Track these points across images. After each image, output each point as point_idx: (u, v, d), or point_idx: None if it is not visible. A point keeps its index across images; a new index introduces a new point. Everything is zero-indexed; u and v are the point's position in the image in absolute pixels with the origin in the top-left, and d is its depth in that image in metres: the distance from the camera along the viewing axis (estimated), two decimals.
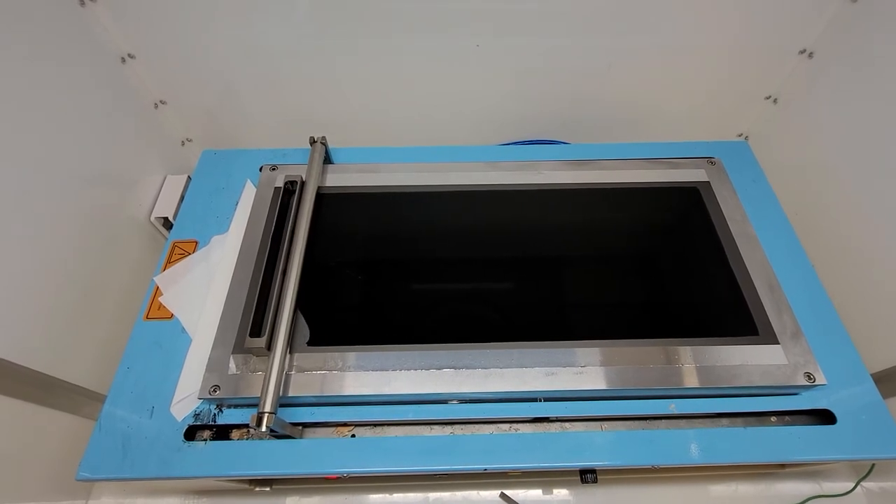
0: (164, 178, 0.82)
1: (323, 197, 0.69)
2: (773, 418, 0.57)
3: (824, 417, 0.56)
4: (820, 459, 0.53)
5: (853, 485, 0.69)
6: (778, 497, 0.71)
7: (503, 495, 0.66)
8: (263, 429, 0.46)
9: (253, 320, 0.54)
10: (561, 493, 0.68)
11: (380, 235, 0.68)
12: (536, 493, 0.68)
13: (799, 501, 0.71)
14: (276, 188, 0.69)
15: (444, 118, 0.89)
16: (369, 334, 0.56)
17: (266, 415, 0.46)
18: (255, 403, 0.53)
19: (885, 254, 0.66)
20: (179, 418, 0.53)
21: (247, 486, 0.64)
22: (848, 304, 0.64)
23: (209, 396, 0.51)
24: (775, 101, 0.85)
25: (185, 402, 0.53)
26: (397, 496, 0.68)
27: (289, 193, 0.67)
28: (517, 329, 0.57)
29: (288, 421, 0.54)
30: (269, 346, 0.52)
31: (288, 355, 0.54)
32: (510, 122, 0.89)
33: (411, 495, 0.68)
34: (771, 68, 0.81)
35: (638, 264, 0.65)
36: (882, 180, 0.67)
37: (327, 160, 0.74)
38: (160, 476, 0.50)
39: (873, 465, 0.68)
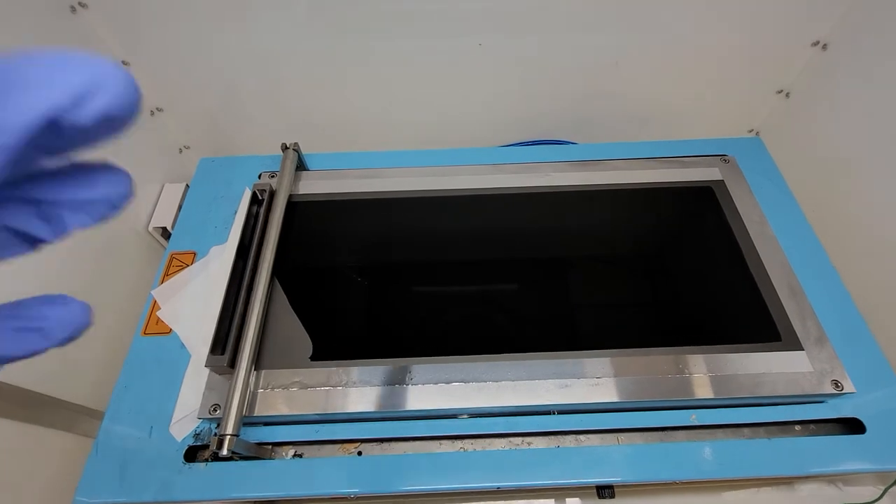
0: (162, 187, 0.80)
1: (308, 205, 0.67)
2: (798, 427, 0.55)
3: (852, 426, 0.53)
4: (849, 471, 0.51)
5: (880, 493, 0.67)
6: None
7: None
8: (224, 452, 0.43)
9: (215, 337, 0.51)
10: None
11: (382, 245, 0.65)
12: None
13: None
14: None
15: (449, 120, 0.87)
16: (375, 347, 0.54)
17: (228, 437, 0.44)
18: (255, 422, 0.52)
19: None
20: (179, 438, 0.51)
21: None
22: (871, 305, 0.62)
23: (209, 416, 0.49)
24: (787, 95, 0.83)
25: (185, 421, 0.51)
26: None
27: (258, 203, 0.64)
28: (529, 339, 0.55)
29: (290, 440, 0.52)
30: (233, 363, 0.50)
31: (254, 372, 0.52)
32: (516, 122, 0.87)
33: None
34: (783, 61, 0.79)
35: (653, 269, 0.63)
36: None
37: (302, 167, 0.72)
38: (160, 500, 0.48)
39: None
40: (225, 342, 0.50)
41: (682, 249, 0.64)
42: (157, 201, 0.79)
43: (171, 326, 0.58)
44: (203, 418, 0.50)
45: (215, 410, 0.49)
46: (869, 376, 0.55)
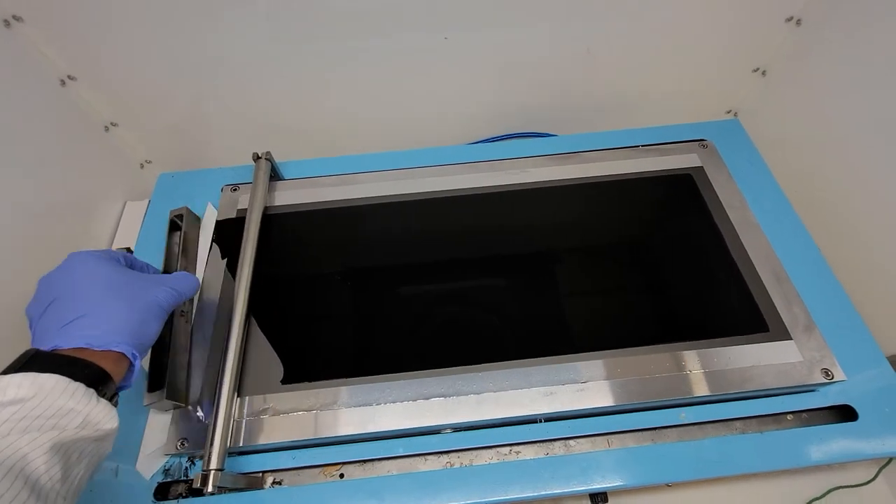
0: (124, 205, 0.77)
1: (276, 217, 0.64)
2: (790, 417, 0.53)
3: (845, 414, 0.52)
4: (844, 460, 0.50)
5: (874, 473, 0.66)
6: (796, 489, 0.68)
7: None
8: (210, 489, 0.41)
9: (150, 372, 0.48)
10: None
11: (351, 256, 0.63)
12: None
13: (819, 494, 0.67)
14: (238, 210, 0.64)
15: (422, 119, 0.84)
16: (348, 366, 0.52)
17: (212, 473, 0.42)
18: (232, 452, 0.49)
19: (893, 228, 0.62)
20: (147, 476, 0.48)
21: None
22: (856, 285, 0.60)
23: (177, 451, 0.47)
24: (763, 73, 0.81)
25: (153, 457, 0.48)
26: None
27: (176, 228, 0.61)
28: (509, 347, 0.53)
29: (265, 468, 0.49)
30: (174, 395, 0.48)
31: (238, 400, 0.49)
32: (490, 118, 0.84)
33: None
34: (757, 39, 0.77)
35: (634, 264, 0.61)
36: (883, 151, 0.62)
37: (276, 177, 0.69)
38: None
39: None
40: (162, 375, 0.48)
41: (663, 242, 0.62)
42: (119, 220, 0.75)
43: None
44: (171, 454, 0.48)
45: (183, 444, 0.47)
46: (859, 360, 0.53)
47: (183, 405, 0.49)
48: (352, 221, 0.64)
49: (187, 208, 0.63)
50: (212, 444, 0.43)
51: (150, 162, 0.84)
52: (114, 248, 0.72)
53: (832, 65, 0.69)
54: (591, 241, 0.63)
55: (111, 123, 0.76)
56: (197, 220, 0.65)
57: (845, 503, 0.65)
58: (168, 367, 0.49)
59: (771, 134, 0.77)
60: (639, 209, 0.65)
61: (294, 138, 0.83)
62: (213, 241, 0.62)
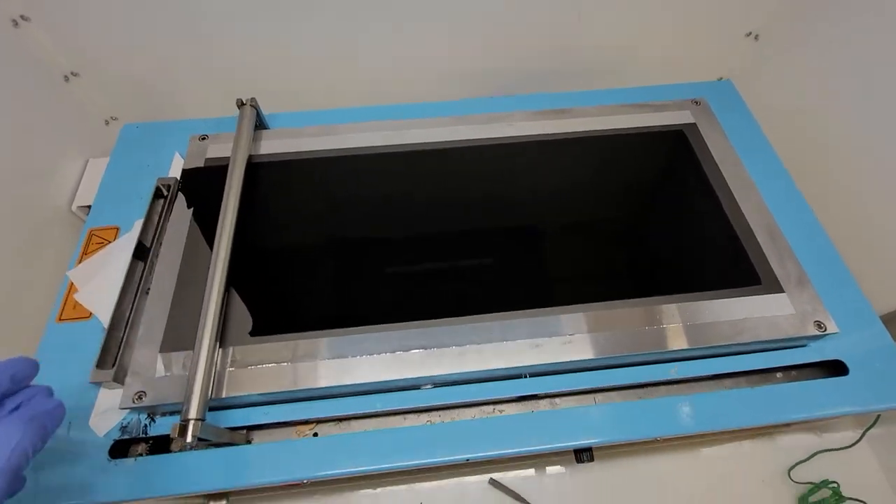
0: (87, 162, 0.72)
1: (259, 167, 0.60)
2: (779, 374, 0.52)
3: (835, 369, 0.51)
4: (832, 415, 0.49)
5: (859, 435, 0.66)
6: (781, 453, 0.68)
7: (492, 481, 0.60)
8: (189, 439, 0.38)
9: (103, 347, 0.47)
10: (554, 470, 0.63)
11: (329, 205, 0.59)
12: (529, 473, 0.63)
13: (803, 458, 0.67)
14: (206, 159, 0.60)
15: (408, 79, 0.80)
16: (325, 317, 0.49)
17: (191, 422, 0.38)
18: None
19: (883, 191, 0.61)
20: (102, 433, 0.45)
21: (201, 500, 0.57)
22: (847, 247, 0.59)
23: (134, 405, 0.43)
24: (756, 37, 0.79)
25: (108, 413, 0.45)
26: (380, 490, 0.61)
27: (161, 197, 0.59)
28: (494, 298, 0.50)
29: (237, 425, 0.46)
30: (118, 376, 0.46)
31: (220, 350, 0.46)
32: (482, 79, 0.81)
33: (393, 489, 0.61)
34: (751, 3, 0.75)
35: (626, 218, 0.59)
36: (874, 114, 0.61)
37: (261, 125, 0.65)
38: None
39: (879, 414, 0.64)
40: (114, 354, 0.46)
41: (655, 196, 0.60)
42: (81, 178, 0.70)
43: (90, 310, 0.51)
44: (126, 408, 0.44)
45: (140, 398, 0.43)
46: (850, 316, 0.52)
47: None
48: (336, 172, 0.61)
49: (177, 179, 0.59)
50: (191, 392, 0.40)
51: (115, 118, 0.79)
52: (74, 206, 0.68)
53: (826, 30, 0.67)
54: (583, 195, 0.61)
55: (71, 73, 0.71)
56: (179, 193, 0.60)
57: (831, 465, 0.65)
58: (122, 346, 0.47)
59: (762, 99, 0.75)
60: (631, 164, 0.63)
61: (273, 96, 0.79)
62: (178, 189, 0.58)
